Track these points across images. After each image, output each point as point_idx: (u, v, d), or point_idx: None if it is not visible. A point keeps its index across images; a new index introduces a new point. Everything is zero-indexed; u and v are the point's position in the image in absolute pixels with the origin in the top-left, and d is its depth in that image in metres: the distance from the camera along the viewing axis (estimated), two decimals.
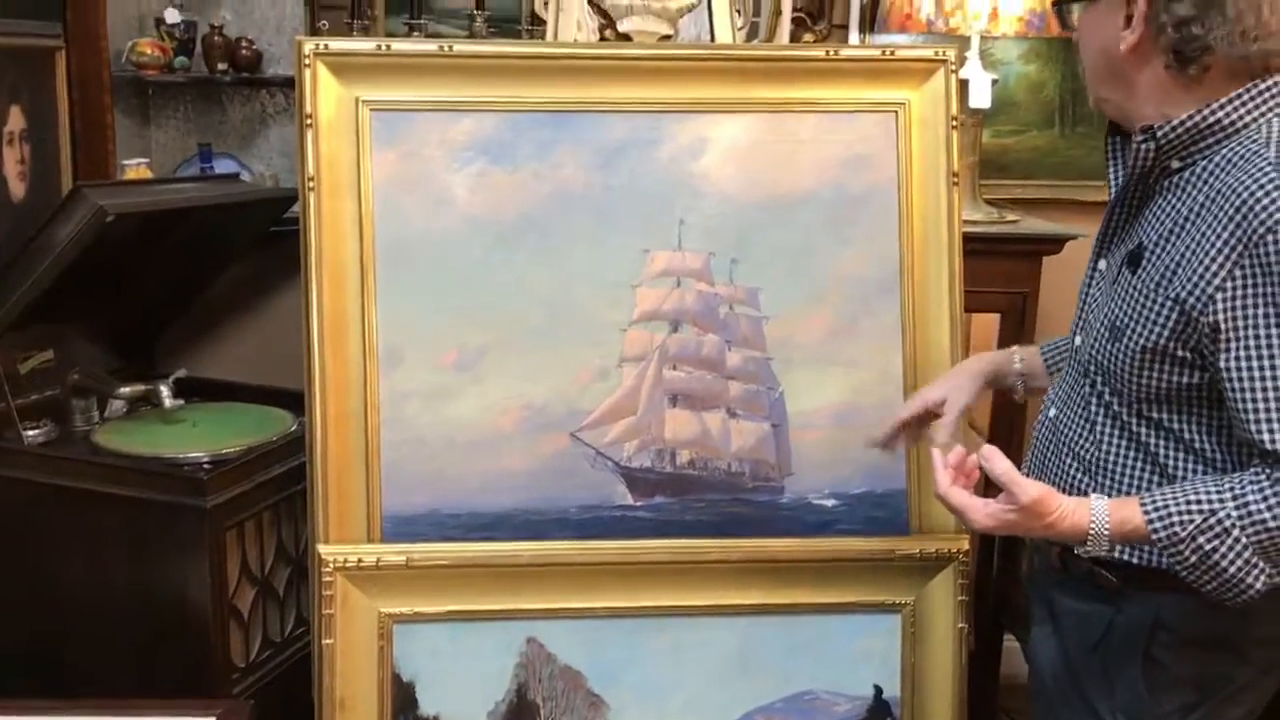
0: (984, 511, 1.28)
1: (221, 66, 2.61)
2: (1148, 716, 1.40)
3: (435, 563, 1.78)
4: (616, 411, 1.90)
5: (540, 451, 1.86)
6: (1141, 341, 1.29)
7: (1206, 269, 1.23)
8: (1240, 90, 1.26)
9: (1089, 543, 1.27)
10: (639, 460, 1.90)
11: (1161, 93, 1.29)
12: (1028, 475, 1.39)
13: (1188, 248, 1.26)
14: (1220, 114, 1.26)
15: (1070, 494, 1.35)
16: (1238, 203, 1.21)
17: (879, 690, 1.89)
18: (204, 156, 2.67)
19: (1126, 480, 1.36)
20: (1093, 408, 1.39)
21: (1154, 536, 1.25)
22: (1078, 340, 1.43)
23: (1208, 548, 1.23)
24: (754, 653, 1.86)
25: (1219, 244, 1.22)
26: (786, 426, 1.93)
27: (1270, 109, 1.26)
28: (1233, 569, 1.23)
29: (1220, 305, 1.22)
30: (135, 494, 1.79)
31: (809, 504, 1.91)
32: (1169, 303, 1.26)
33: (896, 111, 1.92)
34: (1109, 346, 1.34)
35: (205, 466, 1.83)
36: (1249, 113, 1.26)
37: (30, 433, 1.92)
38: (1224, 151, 1.26)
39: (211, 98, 2.75)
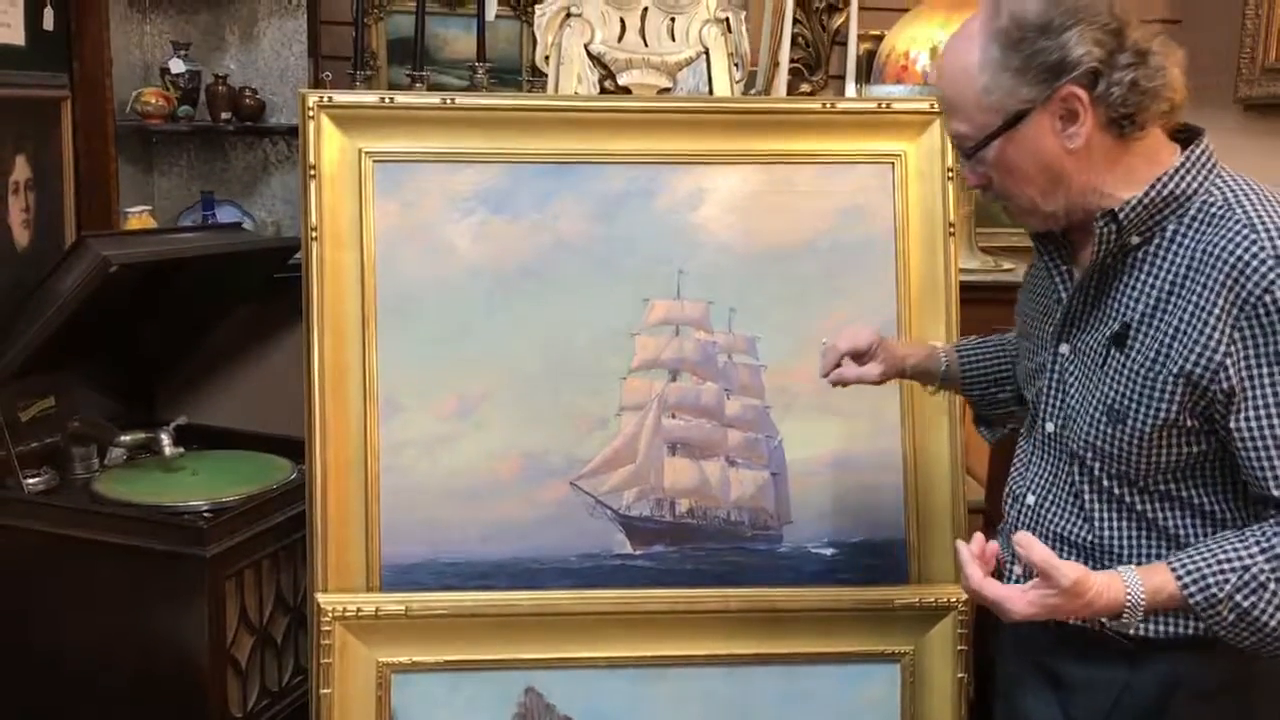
0: (1024, 600, 1.23)
1: (225, 115, 2.64)
2: None
3: (434, 612, 1.78)
4: (615, 460, 1.90)
5: (539, 500, 1.86)
6: (1150, 420, 1.28)
7: (1209, 337, 1.23)
8: (1183, 161, 1.28)
9: (1125, 615, 1.24)
10: (638, 509, 1.90)
11: (1107, 171, 1.29)
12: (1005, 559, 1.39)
13: (1181, 320, 1.25)
14: (1172, 185, 1.28)
15: None
16: (1226, 268, 1.22)
17: None
18: (206, 204, 2.69)
19: (1133, 559, 1.34)
20: (1086, 495, 1.36)
21: (1190, 601, 1.24)
22: (1050, 427, 1.40)
23: (1245, 605, 1.22)
24: (753, 702, 1.85)
25: (1216, 311, 1.22)
26: (785, 474, 1.93)
27: (1207, 176, 1.29)
28: (1273, 623, 1.22)
29: (1231, 371, 1.22)
30: (135, 543, 1.79)
31: (808, 552, 1.91)
32: (1173, 378, 1.25)
33: (893, 163, 1.94)
34: (1110, 431, 1.31)
35: (205, 515, 1.83)
36: (1195, 180, 1.28)
37: (30, 480, 1.92)
38: (1185, 219, 1.28)
39: (215, 146, 2.79)
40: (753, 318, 1.91)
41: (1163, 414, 1.27)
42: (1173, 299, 1.27)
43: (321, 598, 1.76)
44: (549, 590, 1.83)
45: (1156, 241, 1.30)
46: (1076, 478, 1.37)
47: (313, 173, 1.80)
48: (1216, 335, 1.22)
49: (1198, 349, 1.24)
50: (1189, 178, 1.28)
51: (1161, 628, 1.33)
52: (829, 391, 1.91)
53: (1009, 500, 1.49)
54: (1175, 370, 1.25)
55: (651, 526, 1.91)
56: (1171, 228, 1.29)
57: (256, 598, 1.91)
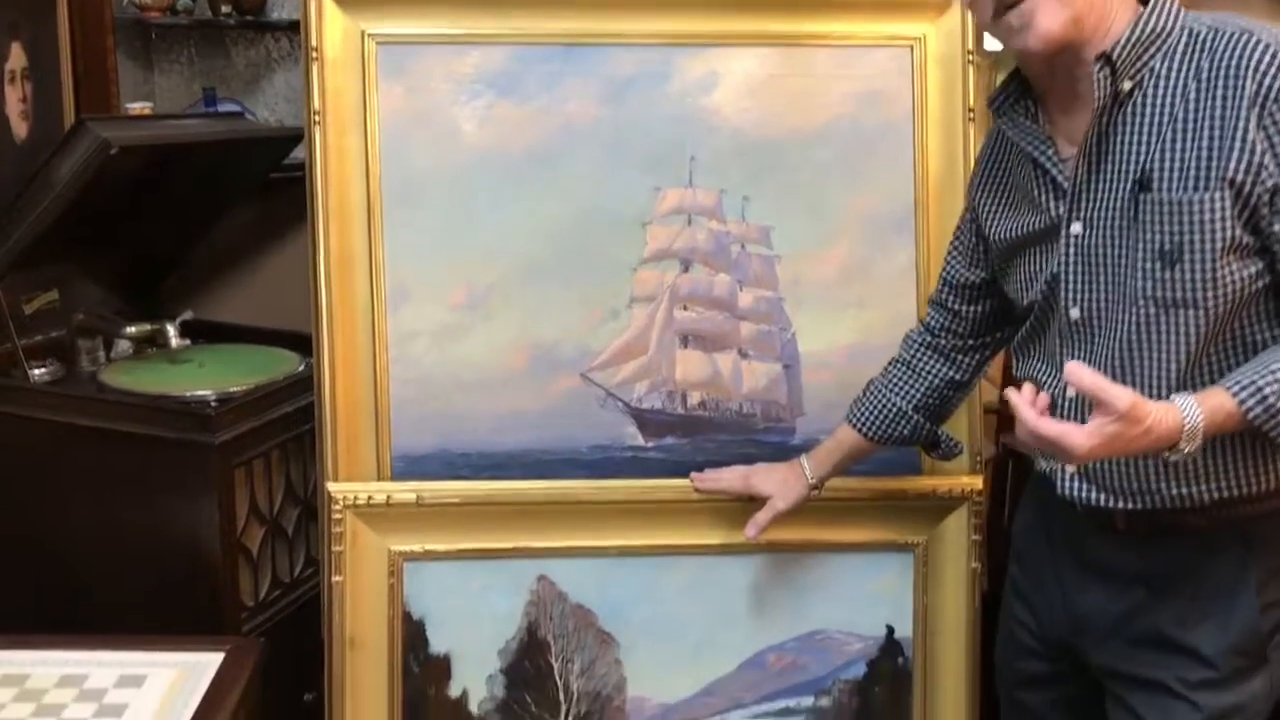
0: (1084, 433, 1.21)
1: (225, 9, 2.58)
2: (1255, 639, 1.38)
3: (446, 501, 1.77)
4: (627, 352, 1.88)
5: (550, 392, 1.84)
6: (1209, 243, 1.27)
7: (1242, 141, 1.24)
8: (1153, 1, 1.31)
9: (1183, 441, 1.23)
10: (649, 401, 1.88)
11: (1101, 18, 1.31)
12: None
13: (1208, 136, 1.26)
14: (1154, 21, 1.30)
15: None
16: (1241, 72, 1.24)
17: (891, 630, 1.88)
18: (208, 101, 2.65)
19: None
20: (1127, 372, 1.35)
21: (1250, 415, 1.23)
22: (1075, 314, 1.38)
23: None
24: (765, 592, 1.85)
25: (1242, 114, 1.24)
26: (798, 367, 1.91)
27: (1180, 13, 1.32)
28: None
29: (1272, 168, 1.24)
30: (142, 431, 1.78)
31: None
32: (1218, 193, 1.25)
33: (912, 46, 1.88)
34: (1168, 275, 1.29)
35: (212, 404, 1.82)
36: (1171, 16, 1.31)
37: (36, 372, 1.90)
38: (1174, 55, 1.30)
39: (215, 42, 2.73)
40: (767, 206, 1.87)
41: (1218, 231, 1.26)
42: (1189, 124, 1.27)
43: (332, 486, 1.75)
44: (561, 480, 1.82)
45: (1149, 82, 1.30)
46: (1115, 356, 1.34)
47: (314, 55, 1.75)
48: (1249, 136, 1.23)
49: (1234, 156, 1.24)
50: (1165, 13, 1.31)
51: (1229, 487, 1.34)
52: (844, 283, 1.90)
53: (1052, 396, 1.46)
54: (1217, 184, 1.25)
55: (663, 419, 1.89)
56: (1160, 65, 1.30)
57: (266, 488, 1.90)
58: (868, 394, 1.71)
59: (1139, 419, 1.20)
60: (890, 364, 1.71)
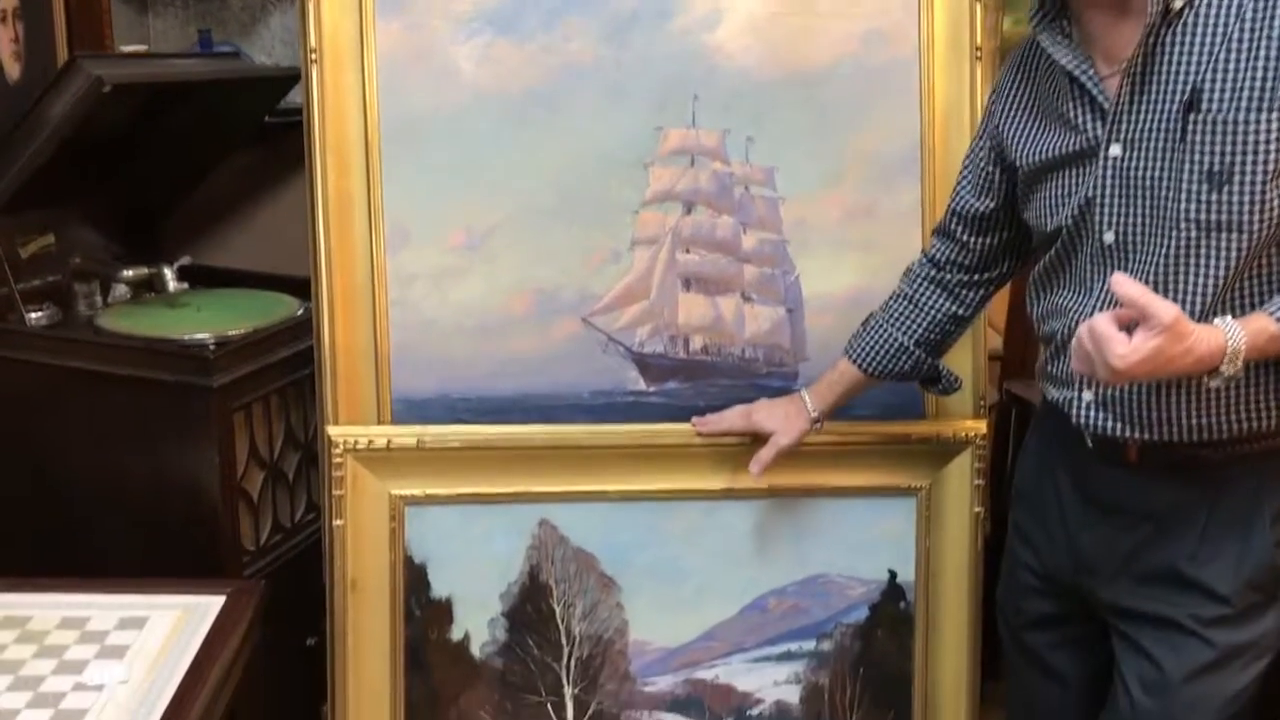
0: (1128, 344, 1.18)
1: None
2: (1269, 575, 1.38)
3: (447, 445, 1.76)
4: (628, 296, 1.86)
5: (551, 336, 1.83)
6: (1261, 166, 1.24)
7: None
8: None
9: (1225, 363, 1.21)
10: (651, 346, 1.87)
11: None
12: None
13: (1264, 57, 1.23)
14: None
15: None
16: None
17: (893, 574, 1.88)
18: (203, 43, 2.60)
19: None
20: (1173, 292, 1.33)
21: None
22: (1109, 238, 1.35)
23: None
24: (767, 536, 1.85)
25: None
26: (802, 311, 1.89)
27: None
28: None
29: None
30: (140, 374, 1.77)
31: None
32: (1274, 113, 1.23)
33: None
34: (1215, 198, 1.26)
35: (210, 347, 1.80)
36: None
37: (33, 315, 1.89)
38: None
39: None
40: (771, 147, 1.84)
41: (1271, 153, 1.24)
42: (1245, 43, 1.24)
43: (332, 430, 1.74)
44: (563, 425, 1.80)
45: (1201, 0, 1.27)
46: (1150, 281, 1.31)
47: None
48: None
49: None
50: None
51: (1249, 420, 1.32)
52: (849, 225, 1.87)
53: (1061, 335, 1.44)
54: (1273, 104, 1.23)
55: (665, 363, 1.87)
56: None
57: (266, 432, 1.89)
58: (868, 329, 1.69)
59: (1182, 335, 1.18)
60: (891, 298, 1.69)
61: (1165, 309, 1.17)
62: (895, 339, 1.66)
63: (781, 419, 1.73)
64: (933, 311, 1.65)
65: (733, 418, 1.78)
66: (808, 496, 1.85)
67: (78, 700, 1.37)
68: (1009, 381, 2.53)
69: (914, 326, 1.65)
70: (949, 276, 1.64)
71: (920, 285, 1.66)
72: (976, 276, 1.63)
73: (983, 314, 1.86)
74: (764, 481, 1.81)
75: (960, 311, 1.65)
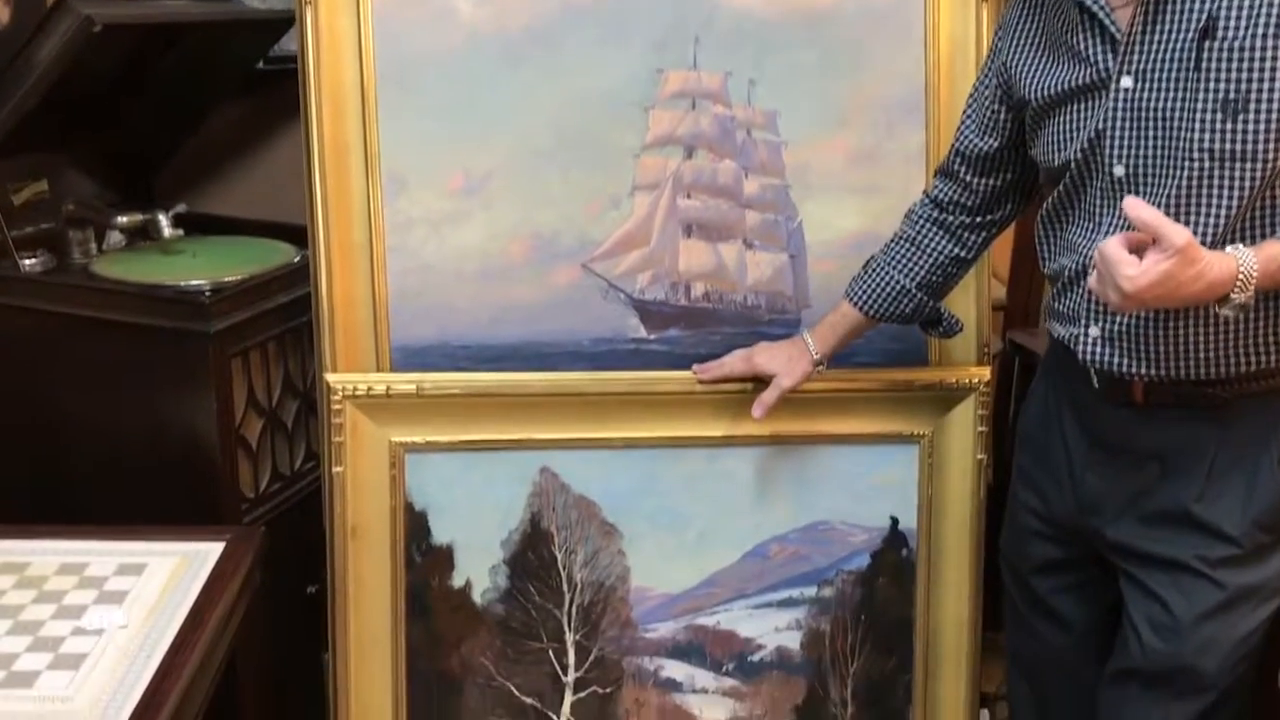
0: (1139, 267, 1.17)
1: None
2: (1277, 515, 1.37)
3: (447, 392, 1.75)
4: (629, 242, 1.84)
5: (551, 283, 1.81)
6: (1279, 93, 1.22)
7: None
8: None
9: (1236, 290, 1.20)
10: (652, 293, 1.85)
11: None
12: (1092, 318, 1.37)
13: None
14: None
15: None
16: None
17: (895, 521, 1.87)
18: None
19: None
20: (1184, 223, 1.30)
21: None
22: (1119, 171, 1.33)
23: None
24: (769, 483, 1.84)
25: None
26: (804, 257, 1.87)
27: None
28: None
29: None
30: (135, 320, 1.75)
31: None
32: None
33: None
34: (1230, 127, 1.24)
35: (206, 293, 1.78)
36: None
37: (27, 262, 1.86)
38: None
39: None
40: (773, 90, 1.81)
41: None
42: None
43: (330, 377, 1.73)
44: (563, 372, 1.79)
45: None
46: (1170, 210, 1.29)
47: None
48: None
49: None
50: None
51: (1259, 356, 1.31)
52: (852, 169, 1.85)
53: (1070, 271, 1.42)
54: None
55: (666, 310, 1.86)
56: None
57: (264, 379, 1.88)
58: (869, 271, 1.68)
59: (1194, 259, 1.17)
60: (893, 240, 1.68)
61: (1177, 232, 1.16)
62: (896, 281, 1.64)
63: (784, 361, 1.72)
64: (934, 254, 1.63)
65: (733, 362, 1.77)
66: (810, 443, 1.83)
67: (77, 644, 1.37)
68: (1012, 331, 2.52)
69: (915, 269, 1.64)
70: (951, 218, 1.62)
71: (922, 227, 1.64)
72: (979, 218, 1.61)
73: (986, 261, 1.84)
74: (766, 428, 1.80)
75: (962, 254, 1.63)
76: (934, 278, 1.64)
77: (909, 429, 1.85)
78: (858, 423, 1.83)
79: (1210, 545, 1.38)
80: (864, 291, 1.67)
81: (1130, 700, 1.47)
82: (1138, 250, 1.20)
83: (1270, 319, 1.33)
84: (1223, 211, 1.28)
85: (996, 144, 1.55)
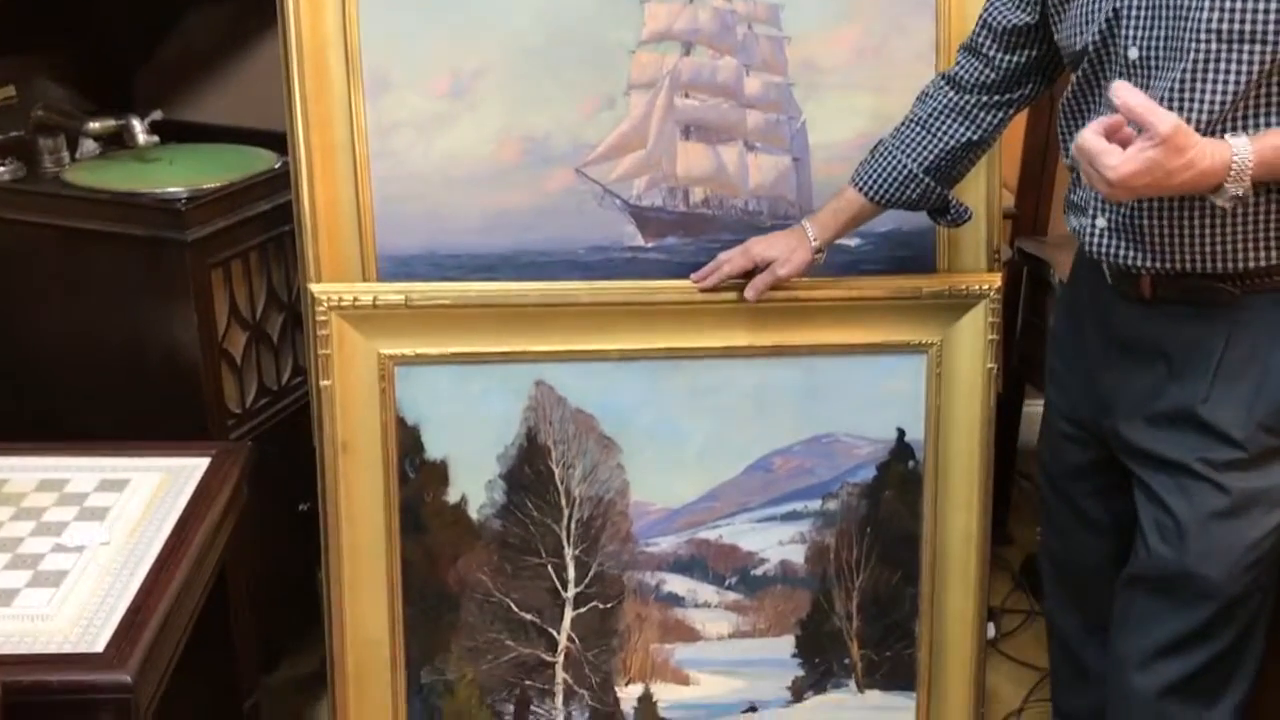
0: (1121, 155, 1.14)
1: None
2: None
3: (436, 302, 1.68)
4: (624, 144, 1.76)
5: (544, 188, 1.73)
6: None
7: None
8: None
9: (1230, 179, 1.16)
10: (649, 198, 1.77)
11: None
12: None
13: None
14: None
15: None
16: None
17: (902, 433, 1.82)
18: None
19: None
20: (1195, 105, 1.25)
21: None
22: (1134, 54, 1.29)
23: None
24: (772, 395, 1.78)
25: None
26: (808, 160, 1.79)
27: None
28: None
29: None
30: (110, 229, 1.68)
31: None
32: None
33: None
34: (1237, 5, 1.19)
35: (183, 200, 1.70)
36: None
37: None
38: None
39: None
40: None
41: None
42: None
43: (315, 287, 1.66)
44: (557, 282, 1.72)
45: None
46: (1168, 97, 1.25)
47: None
48: None
49: None
50: None
51: (1264, 256, 1.27)
52: (858, 66, 1.77)
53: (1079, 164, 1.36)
54: None
55: (664, 217, 1.78)
56: None
57: (246, 291, 1.81)
58: (876, 155, 1.61)
59: (1181, 147, 1.13)
60: (903, 123, 1.61)
61: (1164, 119, 1.12)
62: (904, 165, 1.58)
63: (782, 248, 1.66)
64: (946, 137, 1.56)
65: (731, 258, 1.70)
66: (814, 354, 1.78)
67: (57, 561, 1.33)
68: (1021, 239, 2.45)
69: (925, 153, 1.57)
70: (968, 99, 1.56)
71: (936, 111, 1.57)
72: (999, 97, 1.55)
73: (996, 164, 1.77)
74: (769, 339, 1.74)
75: (974, 137, 1.57)
76: (943, 163, 1.58)
77: (917, 338, 1.79)
78: (864, 332, 1.77)
79: (1214, 448, 1.34)
80: (869, 175, 1.61)
81: (1137, 607, 1.45)
82: (1123, 136, 1.16)
83: (1277, 212, 1.27)
84: (1226, 96, 1.22)
85: (1028, 19, 1.49)
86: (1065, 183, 1.49)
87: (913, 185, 1.59)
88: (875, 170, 1.61)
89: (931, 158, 1.57)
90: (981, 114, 1.56)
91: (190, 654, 1.38)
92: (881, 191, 1.60)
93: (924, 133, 1.58)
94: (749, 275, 1.69)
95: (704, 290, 1.72)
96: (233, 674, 1.79)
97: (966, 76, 1.55)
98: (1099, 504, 1.55)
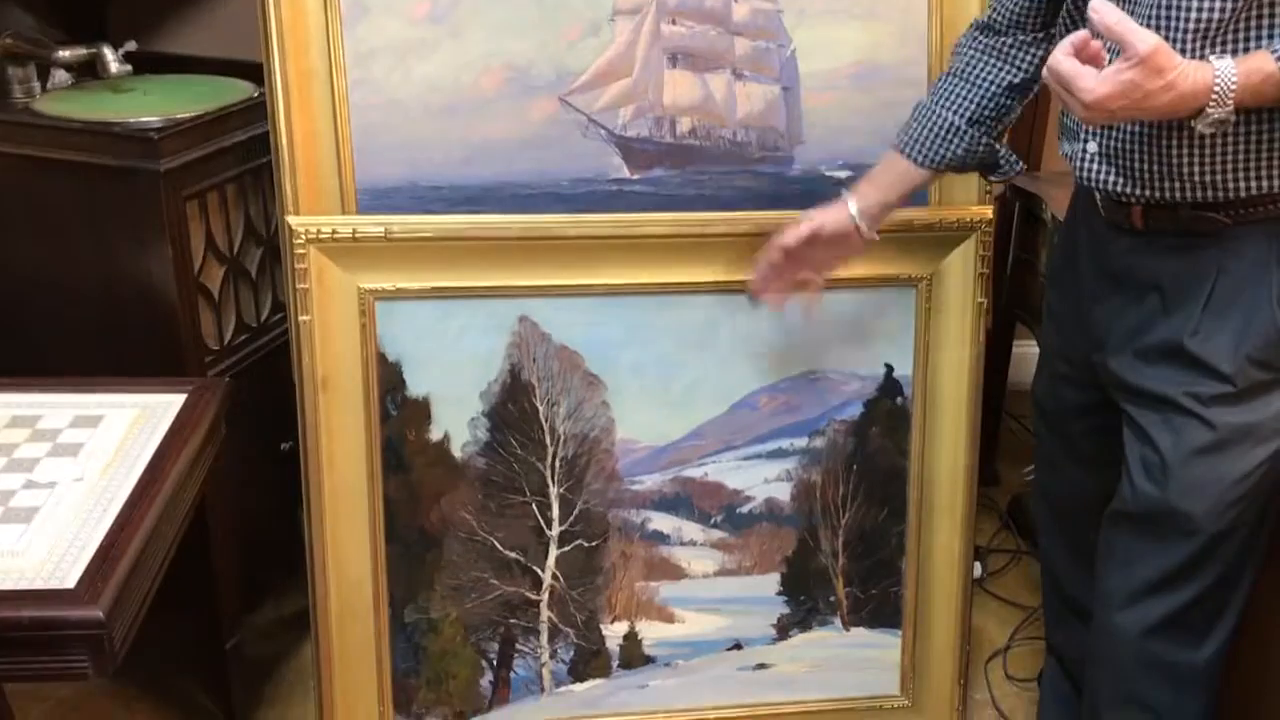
0: (1096, 77, 1.11)
1: None
2: (1275, 351, 1.30)
3: (417, 235, 1.64)
4: (609, 72, 1.71)
5: (527, 118, 1.69)
6: None
7: None
8: None
9: (1211, 103, 1.12)
10: (635, 128, 1.73)
11: None
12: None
13: None
14: None
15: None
16: None
17: (890, 369, 1.80)
18: None
19: None
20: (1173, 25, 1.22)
21: None
22: None
23: None
24: (759, 332, 1.76)
25: None
26: (798, 89, 1.75)
27: None
28: None
29: None
30: (81, 159, 1.63)
31: (820, 175, 1.75)
32: None
33: None
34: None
35: (156, 129, 1.66)
36: None
37: None
38: None
39: None
40: None
41: None
42: None
43: (292, 219, 1.62)
44: (541, 214, 1.69)
45: None
46: (1158, 11, 1.21)
47: None
48: None
49: None
50: None
51: (1260, 179, 1.23)
52: None
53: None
54: None
55: (650, 148, 1.74)
56: None
57: (224, 224, 1.77)
58: (915, 115, 1.55)
59: (1160, 68, 1.09)
60: (941, 78, 1.55)
61: (1142, 38, 1.09)
62: (946, 119, 1.51)
63: (822, 212, 1.58)
64: (986, 83, 1.50)
65: (778, 235, 1.61)
66: (801, 290, 1.74)
67: (28, 498, 1.31)
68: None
69: (966, 103, 1.50)
70: (1004, 40, 1.49)
71: (972, 57, 1.51)
72: (1036, 34, 1.48)
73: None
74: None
75: (1015, 80, 1.50)
76: (987, 111, 1.51)
77: (906, 272, 1.76)
78: (852, 267, 1.73)
79: (1201, 381, 1.32)
80: (911, 137, 1.53)
81: (1120, 545, 1.44)
82: (1092, 52, 1.13)
83: (1271, 139, 1.24)
84: (1212, 15, 1.18)
85: None
86: (1058, 119, 1.45)
87: (957, 139, 1.51)
88: (916, 130, 1.53)
89: (974, 108, 1.50)
90: (1019, 54, 1.49)
91: (172, 594, 1.36)
92: (925, 151, 1.53)
93: (962, 83, 1.51)
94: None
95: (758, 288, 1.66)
96: (215, 614, 1.79)
97: (1000, 18, 1.49)
98: (1094, 442, 1.53)
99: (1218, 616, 1.42)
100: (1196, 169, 1.26)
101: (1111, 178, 1.32)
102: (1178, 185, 1.28)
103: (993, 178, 1.62)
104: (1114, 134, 1.30)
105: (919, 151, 1.53)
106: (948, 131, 1.51)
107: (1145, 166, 1.29)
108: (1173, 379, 1.34)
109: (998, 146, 1.55)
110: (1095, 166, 1.33)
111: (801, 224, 1.58)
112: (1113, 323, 1.40)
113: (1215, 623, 1.42)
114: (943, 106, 1.52)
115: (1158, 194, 1.29)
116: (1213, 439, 1.33)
